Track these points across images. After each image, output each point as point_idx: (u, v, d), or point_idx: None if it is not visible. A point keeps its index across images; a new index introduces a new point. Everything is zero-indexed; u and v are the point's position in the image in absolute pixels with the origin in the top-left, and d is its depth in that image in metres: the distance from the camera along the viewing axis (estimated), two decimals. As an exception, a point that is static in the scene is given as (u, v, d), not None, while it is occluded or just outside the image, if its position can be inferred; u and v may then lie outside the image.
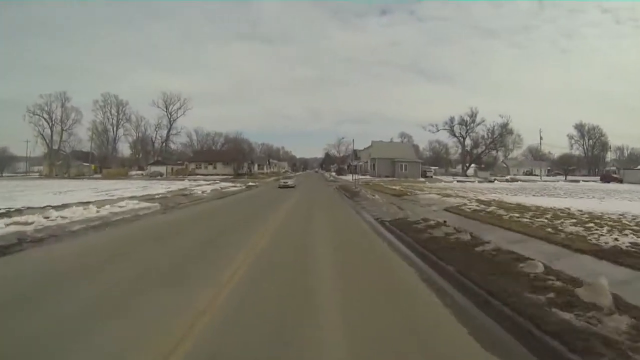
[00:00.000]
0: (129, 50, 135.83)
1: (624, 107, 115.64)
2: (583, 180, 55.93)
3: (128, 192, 23.31)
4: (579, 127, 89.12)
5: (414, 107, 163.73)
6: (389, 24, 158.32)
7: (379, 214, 13.43)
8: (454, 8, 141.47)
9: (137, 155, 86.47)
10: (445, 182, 48.41)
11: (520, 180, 54.31)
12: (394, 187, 31.58)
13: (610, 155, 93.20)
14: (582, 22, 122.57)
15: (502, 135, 71.61)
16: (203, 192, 24.68)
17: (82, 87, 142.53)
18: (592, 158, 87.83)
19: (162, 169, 68.70)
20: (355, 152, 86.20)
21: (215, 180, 44.47)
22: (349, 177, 63.53)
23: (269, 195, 24.92)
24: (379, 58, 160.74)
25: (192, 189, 27.77)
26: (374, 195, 20.22)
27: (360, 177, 53.31)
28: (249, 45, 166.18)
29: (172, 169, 69.56)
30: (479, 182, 50.95)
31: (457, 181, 51.92)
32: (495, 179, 60.85)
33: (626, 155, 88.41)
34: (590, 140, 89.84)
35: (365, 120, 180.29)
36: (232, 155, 61.01)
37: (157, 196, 20.24)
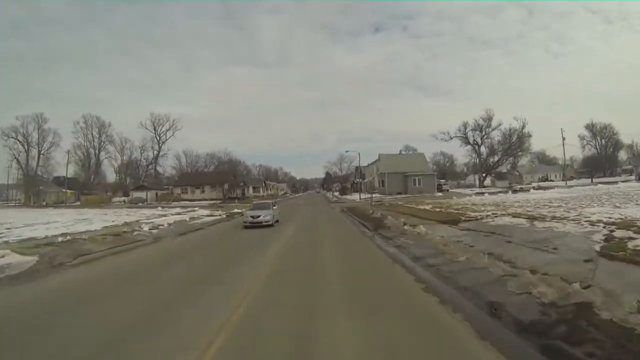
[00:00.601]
0: (121, 76, 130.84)
1: (627, 106, 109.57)
2: (621, 182, 48.19)
3: (39, 230, 15.77)
4: (590, 127, 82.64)
5: (415, 122, 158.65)
6: (384, 42, 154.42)
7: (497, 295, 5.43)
8: (448, 23, 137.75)
9: (122, 180, 79.20)
10: (467, 195, 40.80)
11: (557, 187, 46.51)
12: (421, 206, 23.96)
13: (622, 154, 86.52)
14: (573, 25, 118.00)
15: (520, 139, 64.35)
16: (155, 228, 17.03)
17: (66, 112, 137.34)
18: (606, 158, 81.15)
19: (145, 194, 61.40)
20: (359, 168, 79.16)
21: (195, 207, 36.85)
22: (355, 197, 56.02)
23: (248, 232, 17.07)
24: (377, 76, 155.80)
25: (149, 221, 20.21)
26: (413, 227, 12.43)
27: (368, 195, 46.03)
28: (247, 69, 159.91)
29: (156, 194, 62.16)
30: (503, 193, 43.42)
31: (476, 194, 44.38)
32: (520, 188, 53.23)
33: (636, 152, 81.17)
34: (603, 140, 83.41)
35: (367, 138, 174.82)
36: (221, 177, 53.59)
37: (65, 239, 12.59)
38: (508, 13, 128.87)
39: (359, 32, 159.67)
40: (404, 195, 45.95)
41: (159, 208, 36.81)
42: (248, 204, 33.79)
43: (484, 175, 67.03)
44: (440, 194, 49.45)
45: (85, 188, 71.07)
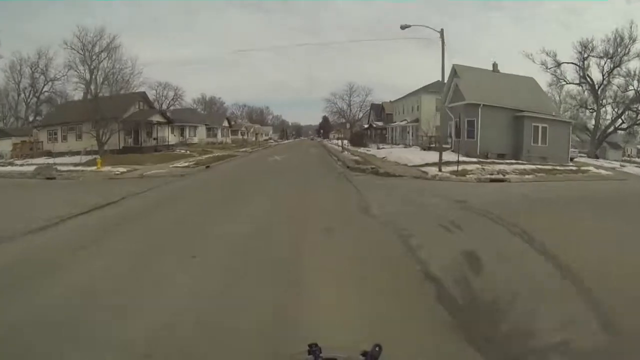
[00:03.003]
0: None
1: None
2: None
3: None
4: None
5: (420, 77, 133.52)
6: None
7: None
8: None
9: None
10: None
11: None
12: None
13: None
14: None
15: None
16: None
17: None
18: None
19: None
20: (380, 107, 50.19)
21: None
22: (382, 151, 28.75)
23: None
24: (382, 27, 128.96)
25: None
26: None
27: (423, 151, 19.21)
28: (247, 12, 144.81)
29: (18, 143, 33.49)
30: None
31: None
32: None
33: None
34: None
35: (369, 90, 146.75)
36: (108, 109, 24.17)
37: None
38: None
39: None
40: (521, 164, 18.70)
41: None
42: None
43: (601, 136, 37.71)
44: (572, 164, 22.34)
45: None
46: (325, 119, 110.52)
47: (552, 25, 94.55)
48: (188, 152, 27.40)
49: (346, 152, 29.78)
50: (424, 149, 25.03)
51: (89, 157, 21.65)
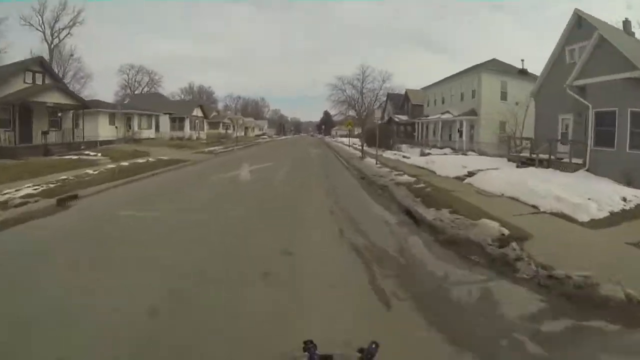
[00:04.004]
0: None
1: None
2: None
3: None
4: None
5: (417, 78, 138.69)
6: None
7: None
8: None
9: None
10: None
11: None
12: None
13: None
14: None
15: None
16: None
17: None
18: None
19: None
20: (402, 97, 38.82)
21: None
22: (440, 160, 16.52)
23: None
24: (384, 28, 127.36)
25: None
26: None
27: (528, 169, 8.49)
28: (247, 10, 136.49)
29: None
30: None
31: None
32: None
33: None
34: None
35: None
36: None
37: None
38: None
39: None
40: None
41: None
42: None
43: None
44: None
45: None
46: (326, 114, 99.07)
47: None
48: (100, 157, 15.97)
49: (370, 160, 18.49)
50: (519, 163, 13.88)
51: None
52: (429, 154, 20.23)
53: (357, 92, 48.06)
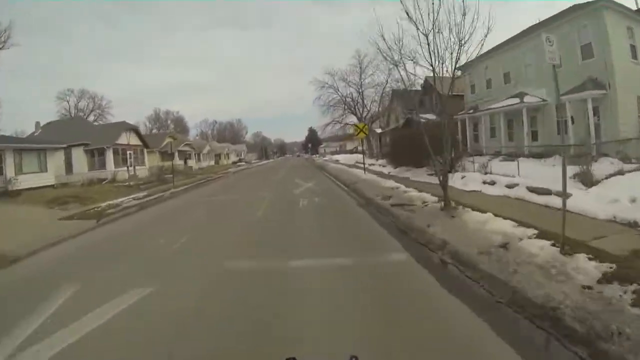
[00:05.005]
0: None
1: None
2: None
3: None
4: None
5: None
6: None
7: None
8: None
9: None
10: None
11: None
12: None
13: None
14: None
15: None
16: None
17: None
18: None
19: None
20: (423, 87, 27.66)
21: None
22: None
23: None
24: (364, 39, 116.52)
25: None
26: None
27: None
28: (228, 31, 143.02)
29: None
30: None
31: None
32: None
33: None
34: None
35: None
36: None
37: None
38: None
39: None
40: None
41: None
42: None
43: None
44: None
45: None
46: (311, 130, 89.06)
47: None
48: None
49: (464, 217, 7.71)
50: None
51: None
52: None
53: (355, 90, 37.51)
